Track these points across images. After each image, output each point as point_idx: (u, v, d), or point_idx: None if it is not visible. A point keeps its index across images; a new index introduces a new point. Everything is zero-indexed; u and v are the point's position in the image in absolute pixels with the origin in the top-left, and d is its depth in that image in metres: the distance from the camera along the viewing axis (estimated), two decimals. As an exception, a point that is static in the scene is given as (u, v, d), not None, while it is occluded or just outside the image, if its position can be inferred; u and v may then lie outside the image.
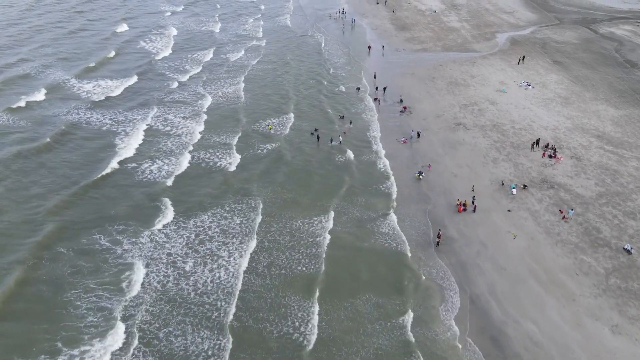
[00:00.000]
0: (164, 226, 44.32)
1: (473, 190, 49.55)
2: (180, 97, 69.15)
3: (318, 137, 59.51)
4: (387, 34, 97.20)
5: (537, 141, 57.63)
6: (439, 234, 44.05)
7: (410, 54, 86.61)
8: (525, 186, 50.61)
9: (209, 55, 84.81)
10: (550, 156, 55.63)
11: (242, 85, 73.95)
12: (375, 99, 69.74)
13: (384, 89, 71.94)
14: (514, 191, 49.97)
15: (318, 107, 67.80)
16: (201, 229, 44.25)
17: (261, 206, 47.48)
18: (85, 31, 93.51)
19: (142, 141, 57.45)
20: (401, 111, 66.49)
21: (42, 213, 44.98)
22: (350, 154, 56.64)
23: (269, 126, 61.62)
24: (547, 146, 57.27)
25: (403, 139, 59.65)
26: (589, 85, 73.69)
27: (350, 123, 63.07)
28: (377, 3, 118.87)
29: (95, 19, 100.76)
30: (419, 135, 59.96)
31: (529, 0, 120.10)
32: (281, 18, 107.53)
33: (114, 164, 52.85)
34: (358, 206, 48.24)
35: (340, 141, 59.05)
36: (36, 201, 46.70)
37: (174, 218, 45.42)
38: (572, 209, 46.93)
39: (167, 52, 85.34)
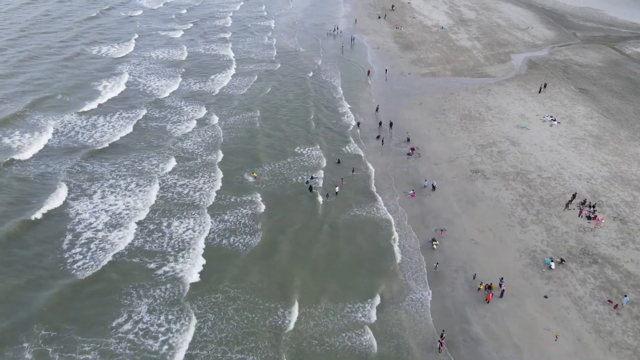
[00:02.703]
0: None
1: (502, 279, 39.80)
2: (189, 146, 57.20)
3: (311, 188, 50.30)
4: (391, 54, 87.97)
5: (574, 197, 48.44)
6: (442, 336, 34.83)
7: (417, 79, 77.41)
8: (562, 260, 41.37)
9: (220, 85, 73.43)
10: (588, 217, 46.39)
11: (258, 114, 65.17)
12: (378, 137, 60.55)
13: (390, 124, 62.65)
14: (552, 265, 40.78)
15: (317, 146, 58.32)
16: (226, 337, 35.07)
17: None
18: (82, 57, 79.70)
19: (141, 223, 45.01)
20: (409, 153, 57.28)
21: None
22: (351, 214, 47.30)
23: (254, 174, 52.56)
24: (583, 203, 48.05)
25: (411, 192, 50.38)
26: (623, 120, 64.43)
27: (353, 171, 53.79)
28: (379, 18, 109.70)
29: (95, 41, 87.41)
30: (434, 188, 50.61)
31: (545, 15, 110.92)
32: (289, 36, 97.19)
33: (115, 249, 41.60)
34: (365, 288, 39.02)
35: (337, 193, 49.93)
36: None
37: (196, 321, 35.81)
38: (625, 296, 37.71)
39: (175, 85, 72.36)
